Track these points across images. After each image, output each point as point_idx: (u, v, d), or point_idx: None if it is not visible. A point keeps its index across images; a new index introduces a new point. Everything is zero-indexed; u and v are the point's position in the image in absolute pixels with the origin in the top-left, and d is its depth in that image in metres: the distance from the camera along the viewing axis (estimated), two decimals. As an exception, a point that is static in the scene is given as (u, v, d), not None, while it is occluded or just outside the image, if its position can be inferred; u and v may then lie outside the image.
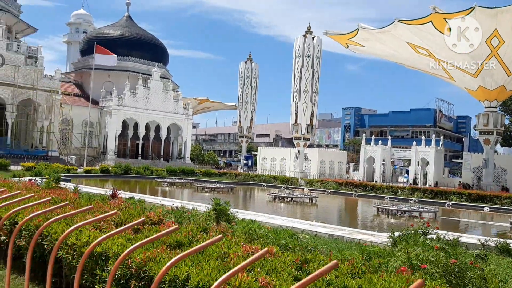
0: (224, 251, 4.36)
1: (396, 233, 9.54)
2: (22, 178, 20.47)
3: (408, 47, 39.21)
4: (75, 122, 54.56)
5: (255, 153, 66.04)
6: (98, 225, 5.56)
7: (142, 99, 56.92)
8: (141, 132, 57.13)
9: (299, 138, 49.64)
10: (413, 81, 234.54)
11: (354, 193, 28.52)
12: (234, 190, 25.70)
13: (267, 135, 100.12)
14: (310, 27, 49.61)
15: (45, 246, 5.38)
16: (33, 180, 13.67)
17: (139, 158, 56.52)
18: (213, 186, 25.45)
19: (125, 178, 33.11)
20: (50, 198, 7.22)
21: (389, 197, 25.99)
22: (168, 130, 60.10)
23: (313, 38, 48.89)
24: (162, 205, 11.39)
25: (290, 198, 20.81)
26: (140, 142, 57.96)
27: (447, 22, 34.61)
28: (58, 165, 31.95)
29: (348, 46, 45.68)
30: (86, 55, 62.24)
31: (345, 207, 24.57)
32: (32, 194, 8.14)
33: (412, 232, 9.50)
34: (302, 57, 49.15)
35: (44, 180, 14.74)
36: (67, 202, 7.63)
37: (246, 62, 61.22)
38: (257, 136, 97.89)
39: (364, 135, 60.51)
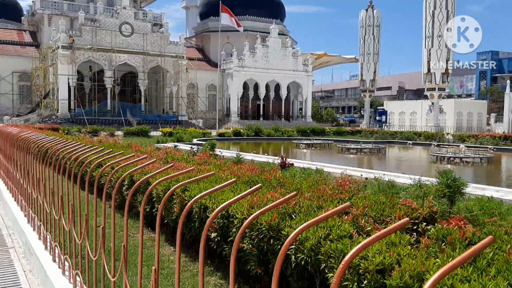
0: None
1: None
2: (166, 144, 20.45)
3: None
4: (200, 86, 55.66)
5: (380, 107, 61.96)
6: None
7: (261, 59, 55.94)
8: (262, 92, 56.54)
9: (433, 89, 45.07)
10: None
11: (525, 149, 24.35)
12: (383, 150, 23.24)
13: (389, 88, 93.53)
14: (443, -38, 43.54)
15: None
16: (195, 149, 12.93)
17: (261, 119, 56.24)
18: (359, 147, 23.13)
19: (256, 140, 32.52)
20: (260, 185, 5.86)
21: None
22: (288, 88, 58.69)
23: (446, -26, 43.00)
24: (349, 176, 9.61)
25: (459, 159, 17.97)
26: (261, 102, 57.52)
27: None
28: (194, 130, 32.33)
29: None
30: (205, 18, 62.61)
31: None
32: (234, 178, 6.84)
33: None
34: (436, -3, 43.74)
35: (199, 148, 14.07)
36: (292, 192, 6.18)
37: (367, 10, 56.48)
38: (378, 89, 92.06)
39: (509, 81, 53.19)
